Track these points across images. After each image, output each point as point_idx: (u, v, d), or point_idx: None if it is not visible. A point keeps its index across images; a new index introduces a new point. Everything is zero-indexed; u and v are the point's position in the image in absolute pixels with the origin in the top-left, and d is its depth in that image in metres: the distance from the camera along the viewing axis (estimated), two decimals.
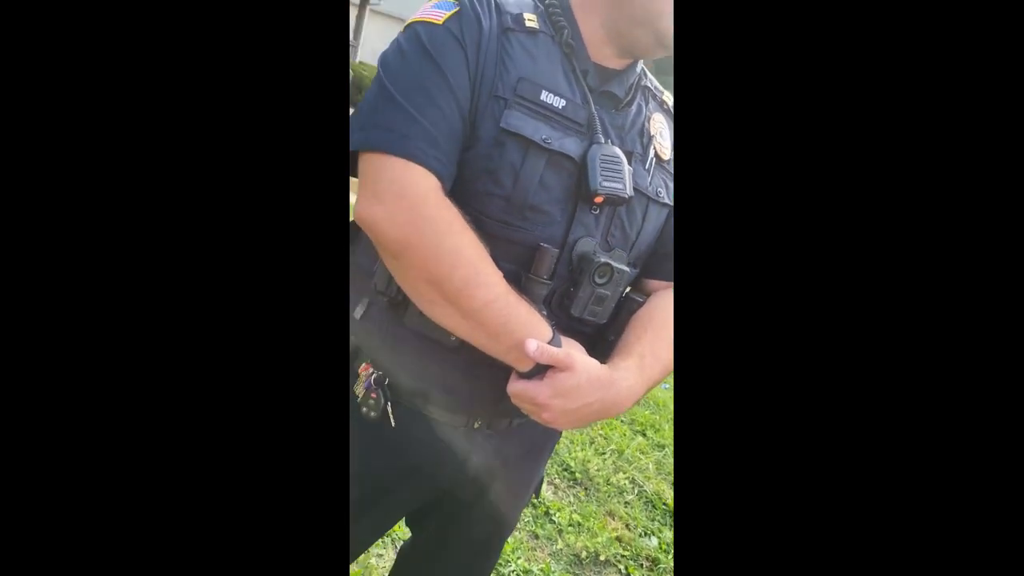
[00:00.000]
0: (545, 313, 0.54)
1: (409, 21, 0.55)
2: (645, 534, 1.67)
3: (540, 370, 0.52)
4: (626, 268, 0.56)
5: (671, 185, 0.63)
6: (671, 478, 1.99)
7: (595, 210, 0.56)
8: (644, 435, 2.24)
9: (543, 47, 0.55)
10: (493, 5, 0.54)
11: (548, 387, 0.51)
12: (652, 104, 0.63)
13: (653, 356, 0.57)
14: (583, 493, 1.76)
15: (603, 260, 0.54)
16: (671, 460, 2.10)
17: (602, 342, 0.59)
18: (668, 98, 0.67)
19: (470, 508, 0.69)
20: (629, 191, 0.54)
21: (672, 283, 0.64)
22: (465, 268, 0.49)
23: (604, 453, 2.00)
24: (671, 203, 0.63)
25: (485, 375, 0.56)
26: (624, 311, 0.60)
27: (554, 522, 1.58)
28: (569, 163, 0.54)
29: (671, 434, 2.31)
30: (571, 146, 0.54)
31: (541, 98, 0.53)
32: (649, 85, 0.65)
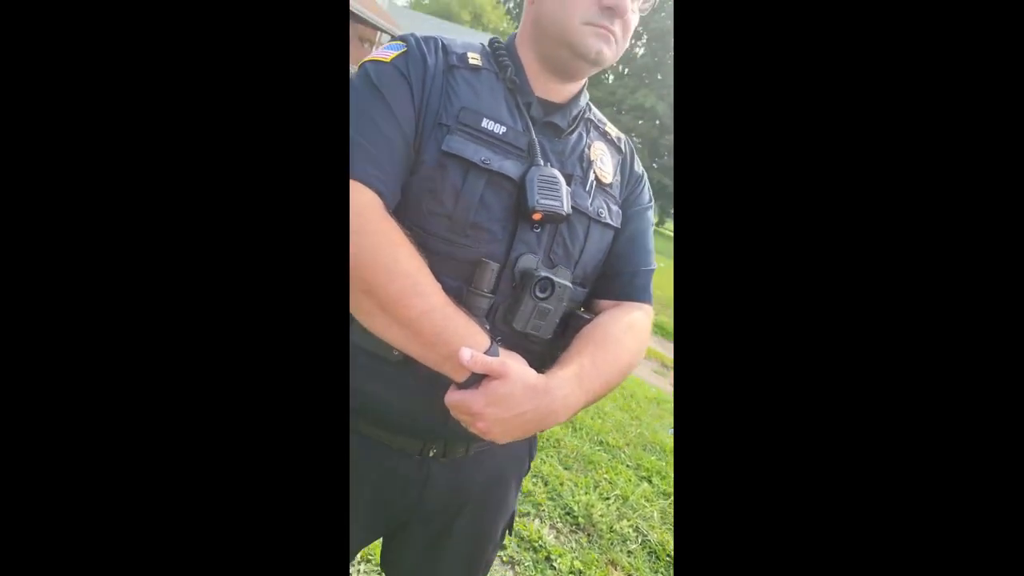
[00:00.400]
0: (488, 327, 0.56)
1: (361, 61, 0.60)
2: None
3: (476, 380, 0.52)
4: (568, 283, 0.58)
5: (615, 208, 0.67)
6: None
7: (536, 228, 0.59)
8: (650, 481, 2.20)
9: (486, 82, 0.61)
10: (440, 46, 0.60)
11: (482, 396, 0.51)
12: (594, 134, 0.68)
13: (594, 368, 0.58)
14: (585, 539, 1.72)
15: (544, 274, 0.57)
16: None
17: (550, 359, 0.60)
18: (611, 130, 0.72)
19: (434, 544, 0.67)
20: (567, 209, 0.57)
21: (620, 302, 0.66)
22: (402, 279, 0.51)
23: (608, 498, 1.96)
24: (615, 224, 0.66)
25: (432, 394, 0.56)
26: (570, 328, 0.62)
27: (555, 568, 1.54)
28: (509, 184, 0.57)
29: None
30: (511, 168, 0.58)
31: (482, 125, 0.58)
32: (593, 118, 0.69)
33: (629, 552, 1.73)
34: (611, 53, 0.61)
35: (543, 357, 0.61)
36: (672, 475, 2.29)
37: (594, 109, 0.71)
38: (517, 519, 1.68)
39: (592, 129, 0.68)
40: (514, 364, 0.53)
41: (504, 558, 1.53)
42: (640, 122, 20.32)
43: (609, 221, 0.65)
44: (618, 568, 1.65)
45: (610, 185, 0.67)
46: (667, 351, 5.12)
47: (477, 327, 0.54)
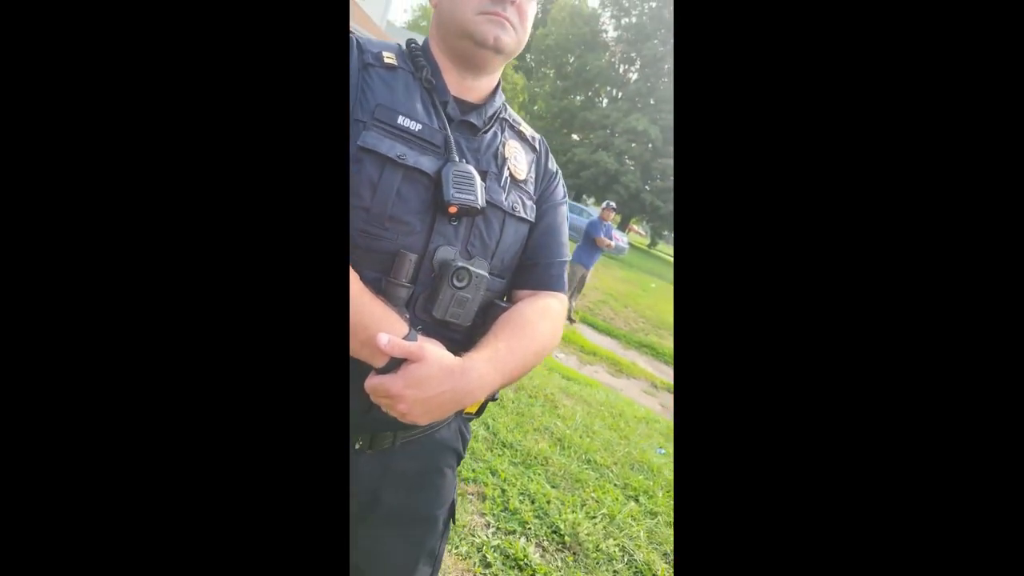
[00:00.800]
0: (408, 316, 0.58)
1: None
2: None
3: (395, 364, 0.54)
4: (484, 273, 0.62)
5: (529, 203, 0.71)
6: (662, 548, 1.93)
7: (454, 221, 0.62)
8: (637, 501, 2.20)
9: (401, 81, 0.63)
10: (356, 44, 0.63)
11: (401, 379, 0.53)
12: (509, 132, 0.71)
13: (508, 351, 0.61)
14: (571, 558, 1.71)
15: (461, 265, 0.60)
16: (663, 529, 2.04)
17: (470, 346, 0.62)
18: (526, 129, 0.75)
19: (374, 537, 0.67)
20: (481, 203, 0.61)
21: (536, 291, 0.70)
22: None
23: (595, 517, 1.96)
24: (530, 218, 0.70)
25: (354, 385, 0.56)
26: (489, 316, 0.65)
27: None
28: (425, 178, 0.60)
29: (664, 502, 2.26)
30: (426, 163, 0.60)
31: (398, 122, 0.60)
32: (508, 118, 0.72)
33: (615, 572, 1.72)
34: (510, 39, 0.64)
35: (463, 344, 0.63)
36: (659, 495, 2.29)
37: (509, 109, 0.74)
38: (503, 537, 1.67)
39: (507, 128, 0.72)
40: (431, 347, 0.56)
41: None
42: (633, 145, 20.66)
43: (523, 215, 0.69)
44: None
45: (524, 181, 0.70)
46: (657, 371, 5.14)
47: (394, 314, 0.56)
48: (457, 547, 1.57)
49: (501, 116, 0.71)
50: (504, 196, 0.67)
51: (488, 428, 2.34)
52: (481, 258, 0.64)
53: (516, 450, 2.24)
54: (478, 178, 0.62)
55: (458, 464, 0.76)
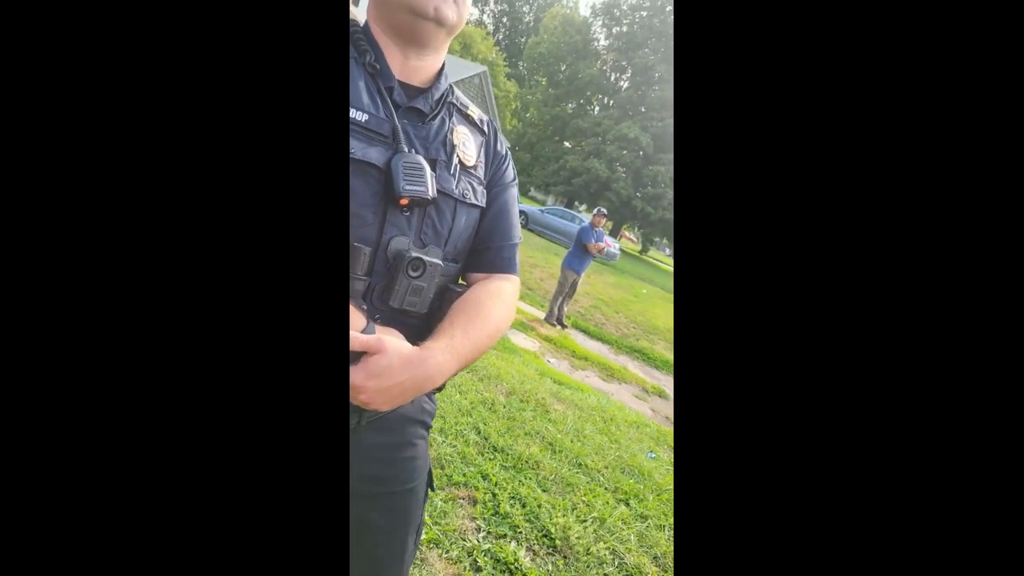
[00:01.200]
0: (366, 307, 0.60)
1: None
2: None
3: (356, 357, 0.56)
4: (439, 262, 0.63)
5: (480, 188, 0.71)
6: (652, 551, 1.94)
7: (405, 212, 0.62)
8: (628, 504, 2.20)
9: None
10: None
11: (362, 370, 0.55)
12: (457, 117, 0.71)
13: (464, 336, 0.63)
14: (562, 562, 1.72)
15: (415, 255, 0.61)
16: (653, 533, 2.05)
17: (428, 330, 0.64)
18: (474, 112, 0.75)
19: (361, 510, 0.68)
20: (432, 193, 0.61)
21: (489, 275, 0.72)
22: None
23: (585, 521, 1.96)
24: (481, 204, 0.71)
25: None
26: (445, 301, 0.67)
27: None
28: (375, 171, 0.60)
29: (654, 505, 2.27)
30: (375, 156, 0.60)
31: None
32: (455, 101, 0.72)
33: (605, 575, 1.73)
34: (450, 11, 0.63)
35: (421, 329, 0.65)
36: (649, 499, 2.30)
37: (457, 92, 0.74)
38: (494, 541, 1.67)
39: (455, 113, 0.72)
40: (389, 339, 0.57)
41: None
42: (624, 152, 20.84)
43: (475, 201, 0.70)
44: None
45: (474, 167, 0.71)
46: (648, 376, 5.16)
47: (352, 308, 0.58)
48: (448, 551, 1.57)
49: (448, 100, 0.71)
50: (455, 184, 0.67)
51: (479, 433, 2.34)
52: (435, 246, 0.66)
53: (507, 454, 2.24)
54: (428, 168, 0.62)
55: (428, 433, 0.78)
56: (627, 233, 31.00)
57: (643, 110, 21.86)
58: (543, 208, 13.77)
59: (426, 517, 1.67)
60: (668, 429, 3.62)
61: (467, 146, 0.71)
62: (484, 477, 2.00)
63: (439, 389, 0.71)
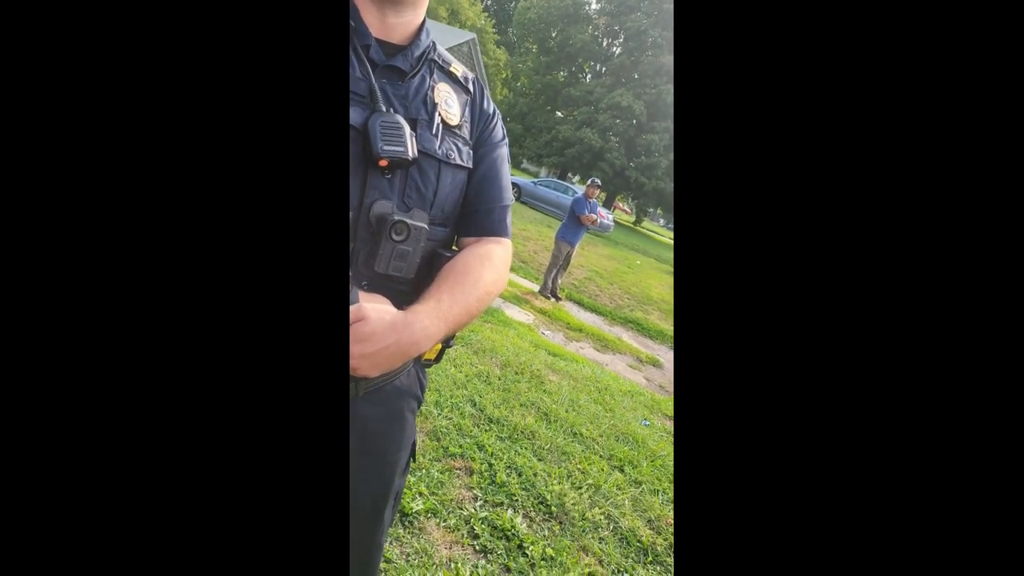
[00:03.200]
0: (351, 274, 0.58)
1: None
2: (618, 571, 1.67)
3: None
4: (423, 225, 0.61)
5: (465, 149, 0.69)
6: (647, 515, 1.99)
7: (387, 174, 0.60)
8: (622, 471, 2.25)
9: None
10: None
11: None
12: (438, 75, 0.69)
13: (451, 299, 0.62)
14: (557, 527, 1.75)
15: (398, 218, 0.59)
16: (648, 497, 2.10)
17: (417, 296, 0.63)
18: (458, 69, 0.72)
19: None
20: (412, 153, 0.59)
21: (480, 238, 0.70)
22: None
23: (581, 488, 2.00)
24: (467, 164, 0.69)
25: None
26: (434, 266, 0.66)
27: (527, 555, 1.57)
28: (352, 132, 0.58)
29: (648, 471, 2.32)
30: (352, 116, 0.58)
31: None
32: (437, 59, 0.70)
33: (600, 539, 1.77)
34: None
35: (410, 295, 0.64)
36: (643, 465, 2.35)
37: (440, 48, 0.72)
38: (491, 509, 1.70)
39: (436, 71, 0.69)
40: (372, 306, 0.57)
41: (477, 547, 1.55)
42: (618, 121, 20.49)
43: (460, 162, 0.68)
44: (589, 554, 1.69)
45: (458, 127, 0.68)
46: (642, 346, 5.21)
47: None
48: (445, 520, 1.60)
49: (430, 57, 0.69)
50: (437, 144, 0.66)
51: (475, 405, 2.36)
52: (419, 209, 0.64)
53: (503, 425, 2.26)
54: (407, 127, 0.60)
55: (418, 407, 0.79)
56: (621, 204, 30.84)
57: (636, 77, 21.42)
58: (536, 180, 13.62)
59: (423, 488, 1.69)
60: (662, 397, 3.67)
61: (450, 105, 0.68)
62: (480, 448, 2.03)
63: (435, 360, 0.71)
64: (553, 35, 24.65)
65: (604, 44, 23.86)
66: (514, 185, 12.93)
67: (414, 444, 0.79)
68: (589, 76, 24.83)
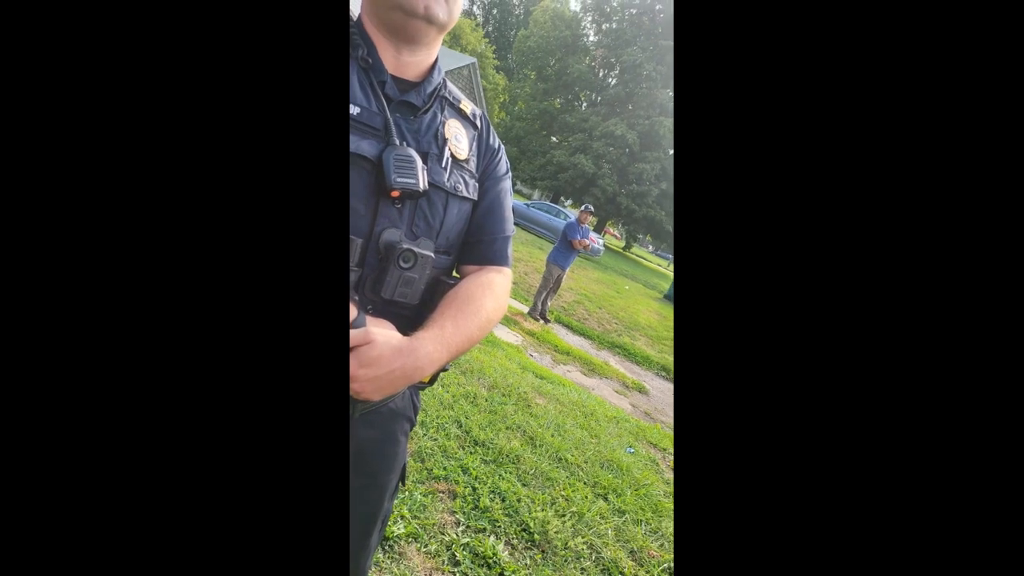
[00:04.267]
0: (357, 298, 0.60)
1: None
2: None
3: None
4: (431, 254, 0.64)
5: (472, 182, 0.72)
6: (629, 545, 1.97)
7: (397, 204, 0.63)
8: (606, 499, 2.23)
9: None
10: None
11: (353, 360, 0.56)
12: (449, 111, 0.72)
13: (455, 327, 0.64)
14: (540, 555, 1.73)
15: (406, 246, 0.62)
16: (630, 527, 2.08)
17: (420, 321, 0.65)
18: (467, 106, 0.76)
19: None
20: (423, 185, 0.62)
21: (482, 266, 0.73)
22: None
23: (564, 516, 1.97)
24: (473, 197, 0.72)
25: None
26: (437, 293, 0.68)
27: None
28: (367, 163, 0.61)
29: (632, 500, 2.30)
30: (367, 148, 0.61)
31: None
32: (448, 96, 0.73)
33: (582, 569, 1.74)
34: (440, 9, 0.63)
35: (413, 320, 0.67)
36: (627, 493, 2.33)
37: (450, 85, 0.75)
38: (472, 535, 1.67)
39: (447, 107, 0.73)
40: (379, 330, 0.58)
41: (457, 574, 1.52)
42: (611, 149, 20.91)
43: (466, 194, 0.71)
44: None
45: (466, 160, 0.72)
46: (629, 371, 5.22)
47: None
48: (426, 545, 1.57)
49: (441, 94, 0.72)
50: (446, 177, 0.69)
51: (461, 426, 2.34)
52: (426, 238, 0.67)
53: (488, 448, 2.24)
54: (419, 161, 0.63)
55: (411, 430, 0.80)
56: (611, 229, 31.18)
57: (630, 108, 21.94)
58: (529, 202, 13.76)
59: (405, 511, 1.66)
60: (647, 424, 3.67)
61: (459, 140, 0.72)
62: (464, 471, 2.00)
63: (429, 383, 0.72)
64: (551, 63, 25.25)
65: (600, 75, 24.48)
66: None
67: (404, 467, 0.79)
68: (585, 104, 25.38)
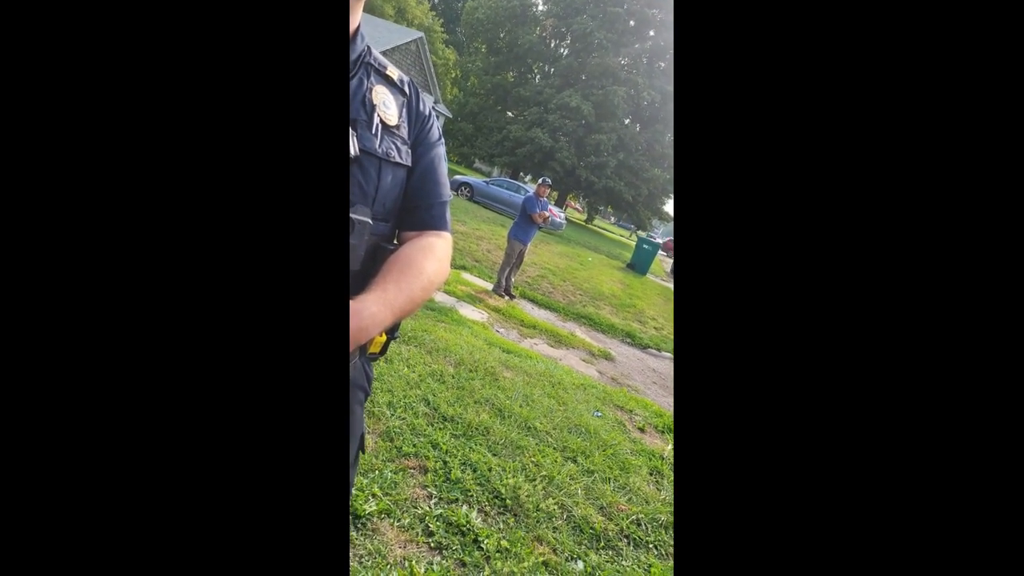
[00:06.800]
0: None
1: None
2: (572, 558, 1.71)
3: None
4: (368, 219, 0.65)
5: (404, 148, 0.73)
6: (599, 502, 2.05)
7: None
8: (575, 461, 2.30)
9: None
10: None
11: None
12: (375, 78, 0.72)
13: (397, 288, 0.65)
14: (512, 519, 1.78)
15: None
16: (599, 485, 2.17)
17: (363, 287, 0.66)
18: (393, 72, 0.76)
19: None
20: (353, 152, 0.63)
21: (421, 232, 0.74)
22: None
23: (535, 480, 2.03)
24: (406, 163, 0.73)
25: None
26: (378, 259, 0.69)
27: (482, 549, 1.59)
28: None
29: (600, 460, 2.39)
30: None
31: None
32: (373, 62, 0.73)
33: (554, 528, 1.81)
34: None
35: (356, 287, 0.67)
36: (596, 455, 2.42)
37: (375, 52, 0.75)
38: (445, 506, 1.70)
39: (373, 73, 0.72)
40: None
41: (431, 544, 1.55)
42: (567, 121, 20.84)
43: (399, 160, 0.71)
44: (543, 543, 1.72)
45: (396, 127, 0.72)
46: (595, 340, 5.34)
47: None
48: (399, 520, 1.59)
49: (365, 60, 0.71)
50: (377, 143, 0.69)
51: (428, 404, 2.35)
52: (362, 205, 0.67)
53: (457, 423, 2.27)
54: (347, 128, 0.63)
55: (365, 399, 0.81)
56: (573, 203, 31.33)
57: (584, 78, 21.84)
58: (488, 179, 13.64)
59: (376, 489, 1.67)
60: (614, 389, 3.78)
61: (387, 106, 0.71)
62: (434, 446, 2.03)
63: (380, 353, 0.72)
64: (501, 35, 24.73)
65: (552, 45, 24.18)
66: (466, 184, 12.88)
67: (363, 437, 0.80)
68: (538, 77, 25.09)
